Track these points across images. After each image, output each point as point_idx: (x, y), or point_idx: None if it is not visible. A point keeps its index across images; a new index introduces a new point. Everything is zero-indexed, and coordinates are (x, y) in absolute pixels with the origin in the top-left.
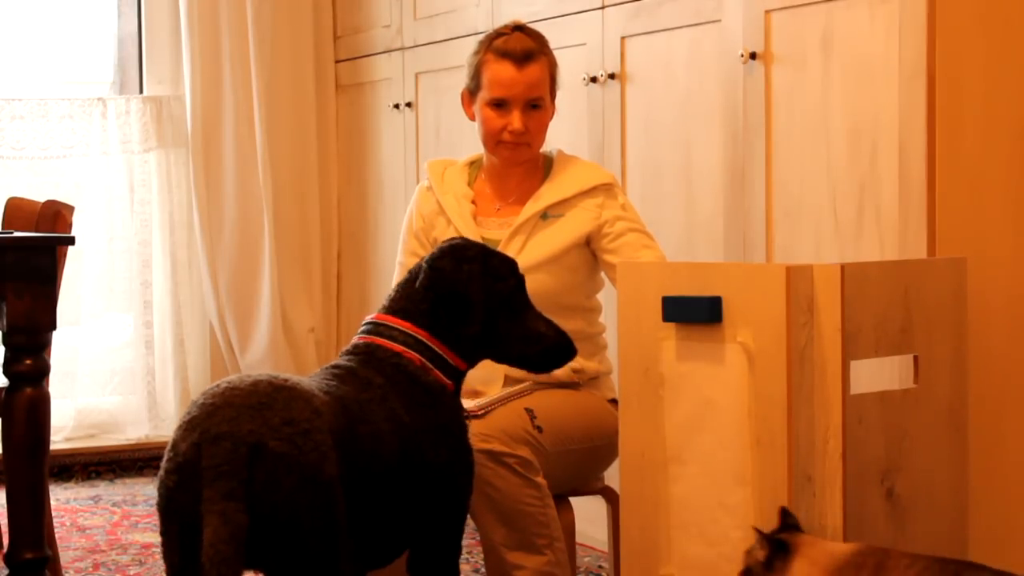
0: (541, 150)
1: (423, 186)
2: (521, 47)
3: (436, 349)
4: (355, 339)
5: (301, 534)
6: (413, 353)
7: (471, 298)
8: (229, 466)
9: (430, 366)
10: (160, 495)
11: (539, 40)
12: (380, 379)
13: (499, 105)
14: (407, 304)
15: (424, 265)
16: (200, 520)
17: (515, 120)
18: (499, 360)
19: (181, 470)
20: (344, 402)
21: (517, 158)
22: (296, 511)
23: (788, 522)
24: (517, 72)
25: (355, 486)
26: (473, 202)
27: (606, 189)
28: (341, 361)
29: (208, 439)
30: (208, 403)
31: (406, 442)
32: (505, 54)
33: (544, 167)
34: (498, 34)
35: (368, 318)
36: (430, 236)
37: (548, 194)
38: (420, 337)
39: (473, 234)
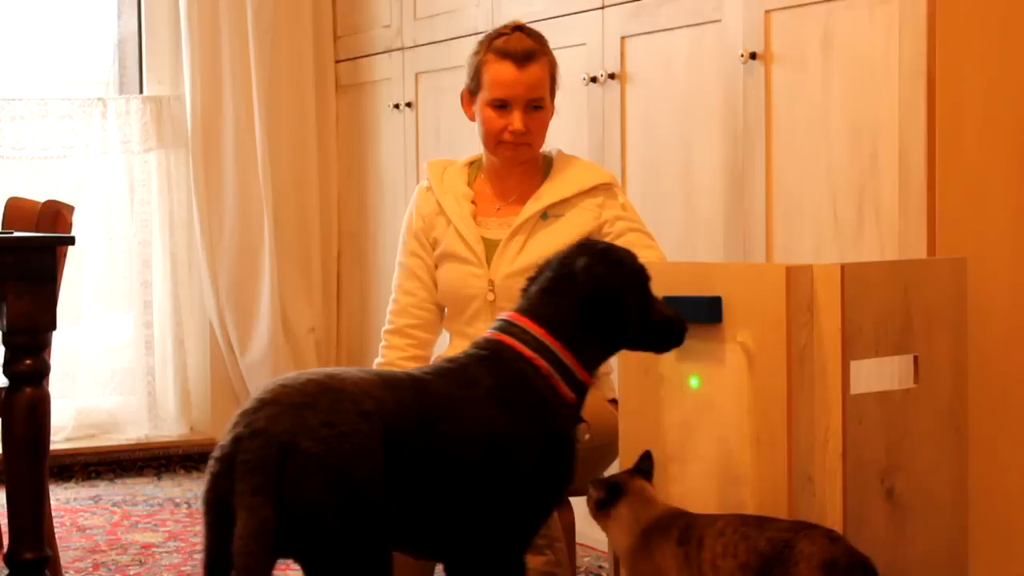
0: (541, 150)
1: (423, 186)
2: (522, 47)
3: (566, 361)
4: (487, 333)
5: (328, 534)
6: (543, 361)
7: (630, 303)
8: (259, 462)
9: (557, 377)
10: (205, 485)
11: (539, 40)
12: (490, 380)
13: (500, 106)
14: (551, 312)
15: (579, 272)
16: (233, 511)
17: (516, 120)
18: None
19: (222, 461)
20: (426, 398)
21: (518, 158)
22: (323, 511)
23: (642, 466)
24: (518, 72)
25: (416, 484)
26: (473, 202)
27: (606, 189)
28: (460, 354)
29: (247, 434)
30: (260, 398)
31: (494, 449)
32: (506, 54)
33: (544, 167)
34: (498, 34)
35: (503, 315)
36: (430, 236)
37: (548, 194)
38: (552, 347)
39: (472, 234)
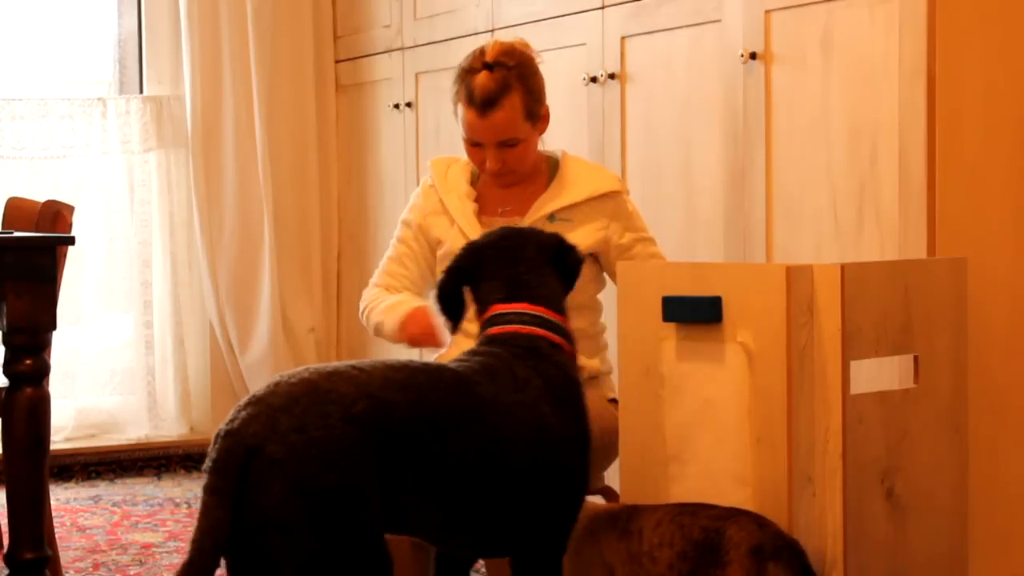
0: (543, 151)
1: (426, 183)
2: (483, 94)
3: (568, 329)
4: (510, 327)
5: (288, 541)
6: (565, 343)
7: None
8: (223, 463)
9: (574, 349)
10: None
11: (506, 77)
12: (539, 380)
13: (474, 144)
14: (549, 291)
15: (566, 248)
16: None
17: (489, 160)
18: None
19: (209, 459)
20: (475, 402)
21: (503, 183)
22: (281, 518)
23: None
24: (480, 120)
25: (451, 484)
26: (476, 201)
27: (615, 196)
28: (496, 349)
29: (222, 432)
30: (254, 397)
31: (545, 450)
32: (470, 101)
33: (549, 169)
34: (470, 67)
35: (513, 307)
36: (430, 235)
37: (557, 197)
38: (562, 324)
39: (476, 233)
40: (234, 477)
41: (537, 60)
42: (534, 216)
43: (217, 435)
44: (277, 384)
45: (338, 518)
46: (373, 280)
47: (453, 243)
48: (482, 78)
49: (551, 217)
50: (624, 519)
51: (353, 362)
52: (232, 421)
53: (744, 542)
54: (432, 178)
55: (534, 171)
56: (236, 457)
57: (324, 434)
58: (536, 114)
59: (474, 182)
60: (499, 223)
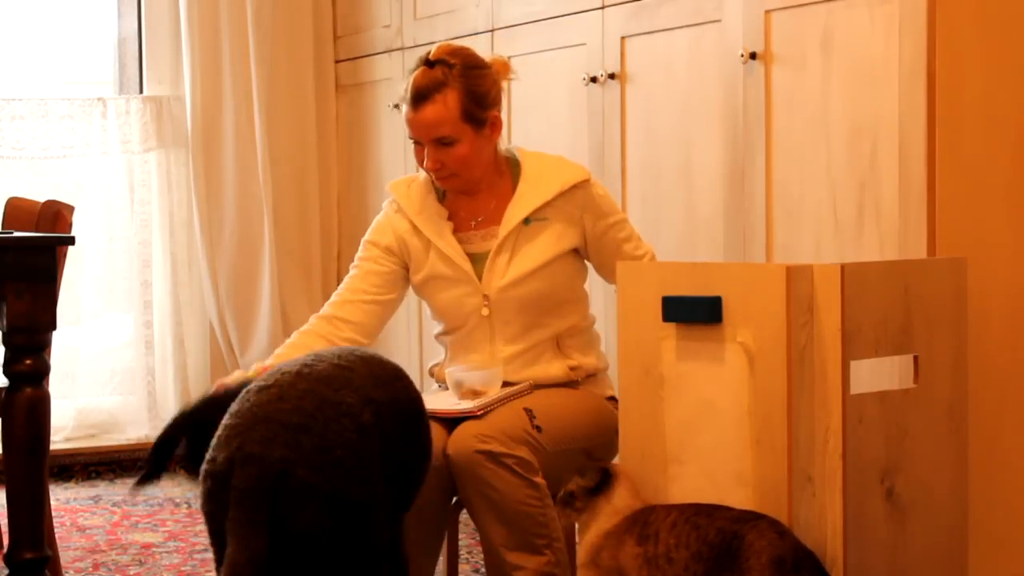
0: (500, 149)
1: (392, 208)
2: (415, 89)
3: None
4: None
5: (329, 557)
6: None
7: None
8: (254, 491)
9: None
10: (201, 496)
11: (444, 74)
12: None
13: (415, 142)
14: None
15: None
16: (224, 529)
17: (427, 158)
18: None
19: (214, 479)
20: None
21: (452, 187)
22: (317, 538)
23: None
24: (412, 114)
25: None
26: (449, 219)
27: (583, 186)
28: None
29: (240, 458)
30: (251, 413)
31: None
32: (405, 94)
33: (510, 169)
34: (414, 66)
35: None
36: (403, 258)
37: (527, 199)
38: None
39: (457, 252)
40: (267, 505)
41: (508, 75)
42: (509, 224)
43: (230, 460)
44: (279, 395)
45: (365, 528)
46: (331, 299)
47: (434, 266)
48: (419, 74)
49: (526, 221)
50: (642, 523)
51: (321, 354)
52: (242, 446)
53: (765, 552)
54: (397, 201)
55: (496, 176)
56: (266, 483)
57: (346, 453)
58: (477, 118)
59: (441, 200)
60: (477, 236)
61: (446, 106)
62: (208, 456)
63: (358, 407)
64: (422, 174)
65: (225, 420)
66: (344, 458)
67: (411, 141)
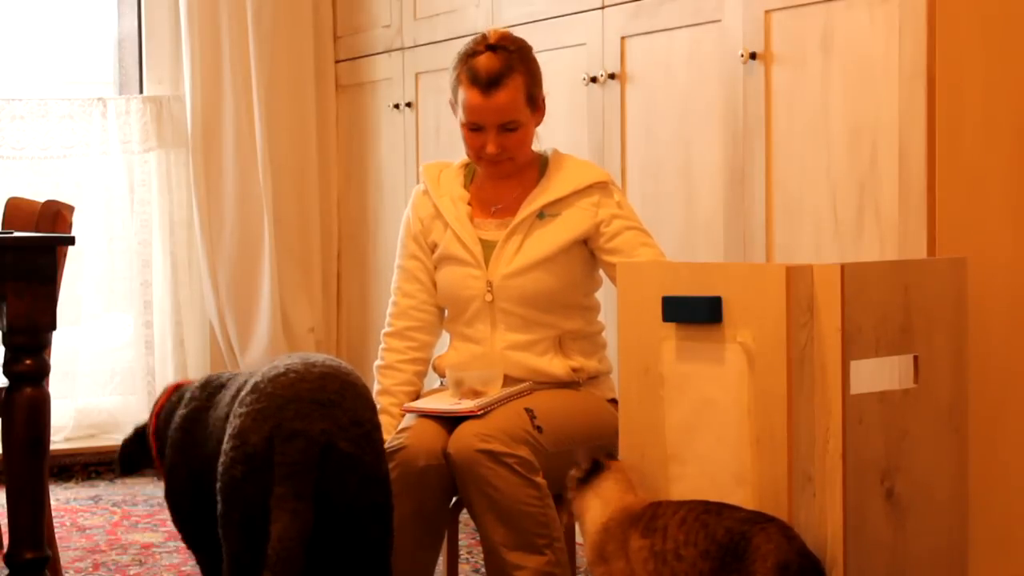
0: (535, 148)
1: (419, 189)
2: (487, 73)
3: None
4: None
5: (364, 530)
6: None
7: None
8: (302, 465)
9: None
10: (224, 482)
11: (509, 59)
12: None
13: (474, 128)
14: None
15: None
16: (264, 510)
17: (489, 144)
18: None
19: (250, 460)
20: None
21: (501, 172)
22: (360, 508)
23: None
24: (484, 100)
25: None
26: (469, 203)
27: (602, 187)
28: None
29: (282, 435)
30: (278, 394)
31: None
32: (474, 80)
33: (539, 166)
34: (473, 51)
35: None
36: (428, 239)
37: (544, 193)
38: None
39: (470, 236)
40: (314, 478)
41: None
42: (523, 214)
43: (268, 437)
44: (298, 378)
45: (390, 502)
46: (389, 311)
47: (447, 246)
48: (486, 59)
49: (540, 214)
50: (648, 518)
51: (305, 357)
52: (280, 424)
53: (771, 555)
54: (425, 183)
55: (526, 167)
56: (313, 457)
57: (372, 425)
58: (536, 99)
59: (467, 185)
60: (492, 224)
61: (516, 90)
62: (233, 443)
63: (367, 388)
64: (456, 161)
65: (239, 408)
66: (372, 432)
67: (465, 128)
